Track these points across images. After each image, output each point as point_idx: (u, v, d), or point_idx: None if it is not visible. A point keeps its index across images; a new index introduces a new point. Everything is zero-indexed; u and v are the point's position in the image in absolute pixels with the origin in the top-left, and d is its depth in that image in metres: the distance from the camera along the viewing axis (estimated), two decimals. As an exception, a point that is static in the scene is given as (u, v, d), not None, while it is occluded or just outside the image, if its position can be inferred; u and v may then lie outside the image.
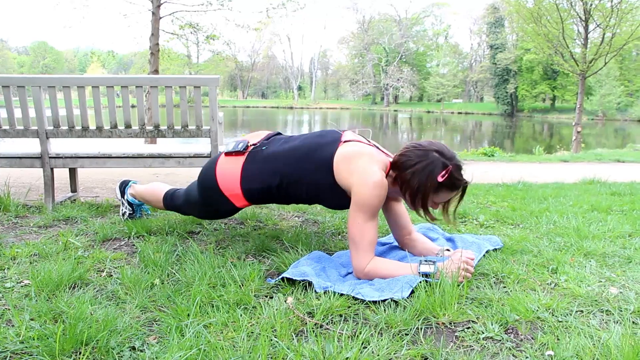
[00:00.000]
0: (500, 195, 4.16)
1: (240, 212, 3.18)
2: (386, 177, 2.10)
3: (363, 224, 2.01)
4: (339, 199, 2.18)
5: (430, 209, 2.14)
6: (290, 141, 2.27)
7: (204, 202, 2.40)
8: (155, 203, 2.74)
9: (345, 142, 2.17)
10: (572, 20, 15.36)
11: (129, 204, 2.95)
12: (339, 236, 2.80)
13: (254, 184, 2.22)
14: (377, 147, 2.24)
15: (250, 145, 2.30)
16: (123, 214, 2.96)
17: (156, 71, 11.83)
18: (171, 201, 2.63)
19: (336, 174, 2.11)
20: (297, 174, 2.17)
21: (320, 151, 2.16)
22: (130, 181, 2.99)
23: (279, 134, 2.43)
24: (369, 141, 2.27)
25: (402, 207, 2.38)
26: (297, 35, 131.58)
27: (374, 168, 2.04)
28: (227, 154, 2.30)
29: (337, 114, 55.68)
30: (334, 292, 1.82)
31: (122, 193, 2.96)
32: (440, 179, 2.03)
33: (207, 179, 2.32)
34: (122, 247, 2.49)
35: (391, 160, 2.17)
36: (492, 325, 1.61)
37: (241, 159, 2.26)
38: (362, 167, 2.04)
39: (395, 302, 1.78)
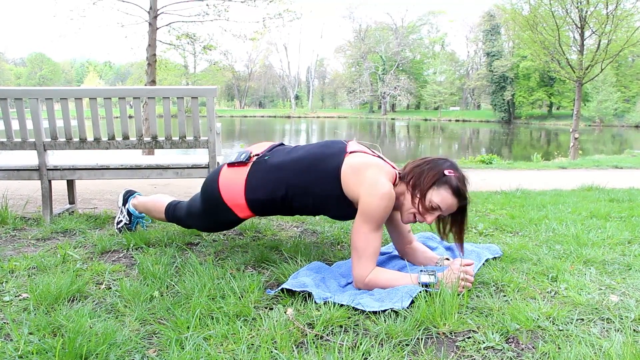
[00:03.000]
0: (498, 203, 4.16)
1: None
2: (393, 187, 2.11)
3: (368, 233, 2.01)
4: (344, 209, 2.17)
5: (426, 210, 2.05)
6: (294, 151, 2.26)
7: (206, 213, 2.39)
8: (157, 214, 2.73)
9: (350, 152, 2.17)
10: (567, 27, 15.46)
11: (129, 214, 2.94)
12: (338, 246, 2.79)
13: (259, 194, 2.21)
14: (382, 158, 2.23)
15: (254, 156, 2.30)
16: (118, 223, 2.94)
17: (153, 82, 11.84)
18: (173, 212, 2.62)
19: (344, 185, 2.10)
20: (304, 185, 2.16)
21: (326, 162, 2.15)
22: (135, 192, 2.99)
23: (282, 144, 2.41)
24: (373, 152, 2.27)
25: None
26: (293, 45, 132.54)
27: (383, 179, 2.03)
28: (230, 164, 2.29)
29: (335, 122, 55.78)
30: (334, 303, 1.82)
31: (125, 202, 2.95)
32: (446, 172, 2.04)
33: (210, 190, 2.32)
34: (121, 259, 2.49)
35: (397, 171, 2.16)
36: (492, 334, 1.61)
37: (245, 170, 2.25)
38: (371, 177, 2.04)
39: (396, 312, 1.77)
